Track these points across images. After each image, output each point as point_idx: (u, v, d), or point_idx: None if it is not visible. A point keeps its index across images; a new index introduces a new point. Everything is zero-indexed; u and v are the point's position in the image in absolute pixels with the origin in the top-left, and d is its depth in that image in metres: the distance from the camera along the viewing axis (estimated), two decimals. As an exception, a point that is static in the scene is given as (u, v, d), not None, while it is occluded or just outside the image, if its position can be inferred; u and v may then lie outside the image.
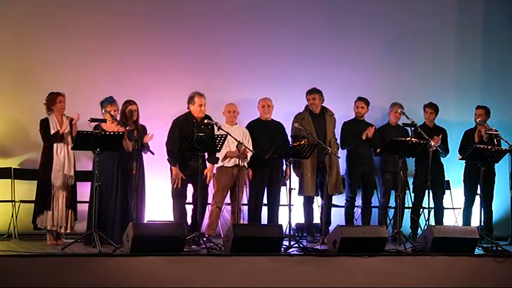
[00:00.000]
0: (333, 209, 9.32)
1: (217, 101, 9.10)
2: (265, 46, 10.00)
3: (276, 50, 10.04)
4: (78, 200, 8.25)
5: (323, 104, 9.21)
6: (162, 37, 9.62)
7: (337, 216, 9.37)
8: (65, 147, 8.07)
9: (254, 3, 10.06)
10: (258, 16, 10.03)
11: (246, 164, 8.74)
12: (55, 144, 8.05)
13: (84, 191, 8.31)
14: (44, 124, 8.09)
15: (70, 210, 8.08)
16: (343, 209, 9.35)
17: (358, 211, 9.45)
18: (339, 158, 8.95)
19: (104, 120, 8.03)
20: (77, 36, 9.26)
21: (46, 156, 8.06)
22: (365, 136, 9.12)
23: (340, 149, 9.24)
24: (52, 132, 8.05)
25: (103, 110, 8.10)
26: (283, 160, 8.82)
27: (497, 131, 9.07)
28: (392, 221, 9.46)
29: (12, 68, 9.09)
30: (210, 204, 8.84)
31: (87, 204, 8.12)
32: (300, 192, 9.01)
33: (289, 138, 9.02)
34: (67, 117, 8.16)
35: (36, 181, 8.18)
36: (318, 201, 9.28)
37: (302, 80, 9.85)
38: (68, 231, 8.09)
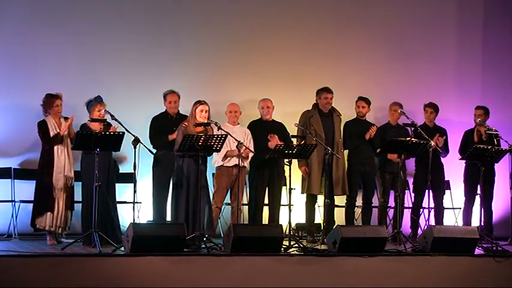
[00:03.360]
0: (333, 209, 9.34)
1: (219, 101, 9.10)
2: (266, 46, 10.00)
3: (277, 50, 10.03)
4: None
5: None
6: (162, 37, 9.62)
7: (338, 216, 9.36)
8: (65, 149, 8.08)
9: (256, 2, 10.06)
10: (260, 16, 10.02)
11: (246, 164, 8.74)
12: (55, 147, 8.05)
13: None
14: (43, 126, 8.09)
15: (69, 211, 8.09)
16: (344, 209, 9.36)
17: (358, 211, 9.45)
18: (339, 157, 8.93)
19: (104, 120, 8.02)
20: (77, 37, 9.27)
21: (46, 158, 8.06)
22: (368, 136, 9.11)
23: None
24: (52, 134, 8.05)
25: (103, 110, 8.07)
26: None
27: (497, 131, 9.08)
28: (392, 221, 9.46)
29: (12, 67, 9.09)
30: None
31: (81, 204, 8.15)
32: (305, 190, 9.00)
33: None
34: (64, 118, 8.16)
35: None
36: (318, 201, 9.26)
37: (303, 80, 9.88)
38: (66, 231, 8.12)
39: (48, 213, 7.97)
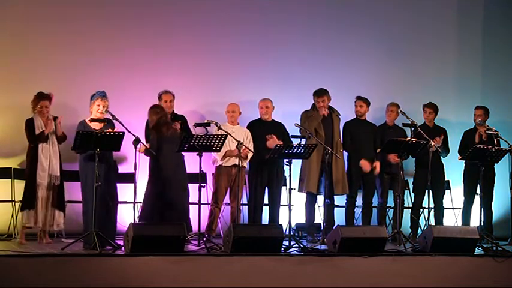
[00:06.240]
0: (333, 208, 9.33)
1: (218, 101, 9.11)
2: (266, 46, 10.01)
3: (276, 50, 10.04)
4: (68, 199, 8.37)
5: (329, 104, 9.20)
6: (161, 37, 9.62)
7: (338, 216, 9.37)
8: (50, 148, 8.07)
9: (256, 2, 10.06)
10: (260, 16, 10.03)
11: (245, 164, 8.74)
12: (40, 145, 8.04)
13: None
14: (29, 124, 8.09)
15: (57, 210, 8.08)
16: (344, 209, 9.36)
17: (358, 211, 9.45)
18: (338, 157, 8.93)
19: (103, 120, 7.99)
20: (77, 37, 9.28)
21: (31, 157, 8.06)
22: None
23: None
24: (37, 132, 8.05)
25: (104, 110, 8.03)
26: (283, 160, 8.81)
27: (497, 131, 9.09)
28: (392, 221, 9.46)
29: (11, 68, 9.10)
30: (209, 204, 8.87)
31: (78, 204, 8.18)
32: (302, 189, 8.99)
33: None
34: (53, 117, 8.15)
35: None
36: (318, 201, 9.27)
37: (302, 80, 9.88)
38: (55, 229, 8.14)
39: (32, 211, 7.97)
